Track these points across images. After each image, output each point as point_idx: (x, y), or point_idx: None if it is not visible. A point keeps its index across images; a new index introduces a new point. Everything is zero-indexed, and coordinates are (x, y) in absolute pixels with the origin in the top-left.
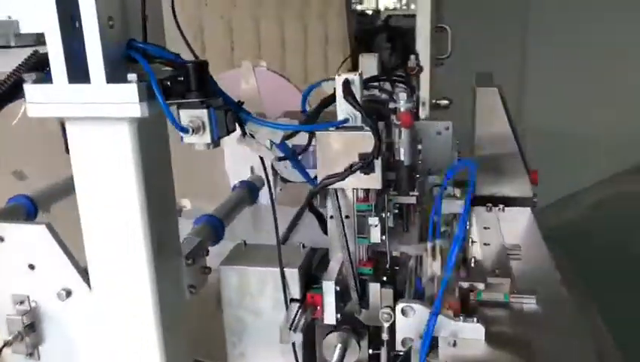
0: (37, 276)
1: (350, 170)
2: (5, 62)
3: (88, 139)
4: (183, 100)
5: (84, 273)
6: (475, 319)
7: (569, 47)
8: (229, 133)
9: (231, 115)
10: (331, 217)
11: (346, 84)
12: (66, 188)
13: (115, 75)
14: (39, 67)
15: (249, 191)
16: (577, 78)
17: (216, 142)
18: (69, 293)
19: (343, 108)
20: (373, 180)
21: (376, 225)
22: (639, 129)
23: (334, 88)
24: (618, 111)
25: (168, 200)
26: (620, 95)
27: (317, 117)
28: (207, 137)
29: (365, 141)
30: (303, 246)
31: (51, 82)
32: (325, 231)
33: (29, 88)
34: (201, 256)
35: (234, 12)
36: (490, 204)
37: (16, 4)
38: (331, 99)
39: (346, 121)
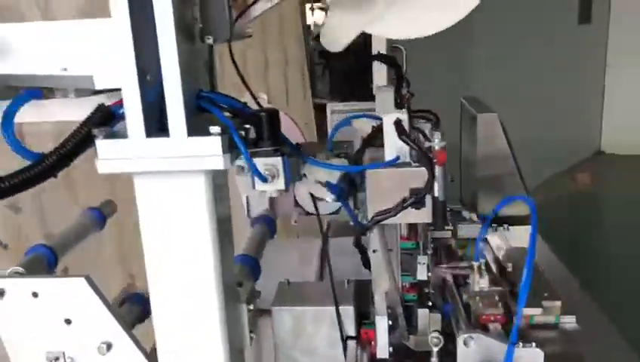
0: (74, 331)
1: (403, 206)
2: (63, 111)
3: (161, 191)
4: (258, 149)
5: (125, 324)
6: (533, 344)
7: (509, 59)
8: (300, 178)
9: (298, 159)
10: (374, 251)
11: (399, 123)
12: (81, 232)
13: (191, 127)
14: (105, 121)
15: (267, 225)
16: (514, 87)
17: (287, 188)
18: (109, 346)
19: (392, 146)
20: (424, 214)
21: (424, 263)
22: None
23: (374, 126)
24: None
25: (231, 246)
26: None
27: (363, 155)
28: (280, 184)
29: (417, 176)
30: (348, 282)
31: (123, 137)
32: (366, 265)
33: (101, 144)
34: (256, 300)
35: None
36: (495, 224)
37: (90, 59)
38: (376, 136)
39: (397, 158)
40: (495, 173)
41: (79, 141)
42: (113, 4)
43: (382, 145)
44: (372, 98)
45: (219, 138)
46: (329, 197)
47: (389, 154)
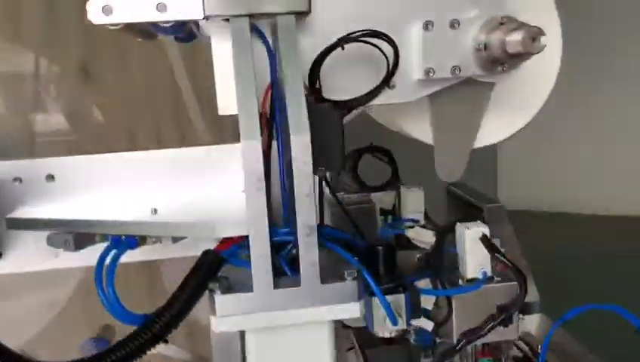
0: None
1: (493, 325)
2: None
3: (279, 347)
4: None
5: None
6: None
7: None
8: (419, 316)
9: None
10: None
11: (487, 239)
12: None
13: None
14: (217, 270)
15: None
16: None
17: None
18: None
19: (476, 263)
20: (512, 331)
21: None
22: None
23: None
24: None
25: None
26: None
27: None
28: (404, 323)
29: (505, 293)
30: None
31: (242, 290)
32: None
33: (221, 300)
34: None
35: None
36: None
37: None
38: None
39: (486, 276)
40: None
41: (191, 297)
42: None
43: None
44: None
45: (354, 284)
46: (428, 325)
47: (471, 272)
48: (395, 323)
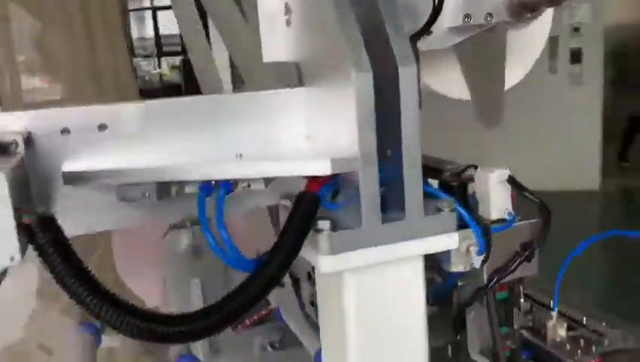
0: None
1: (520, 261)
2: None
3: (376, 284)
4: None
5: None
6: None
7: None
8: None
9: None
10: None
11: (514, 180)
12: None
13: None
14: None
15: None
16: None
17: None
18: None
19: (501, 203)
20: (532, 267)
21: None
22: None
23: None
24: None
25: None
26: None
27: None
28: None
29: (528, 230)
30: None
31: (347, 226)
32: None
33: (328, 239)
34: None
35: None
36: None
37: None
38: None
39: (513, 217)
40: None
41: (298, 237)
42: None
43: None
44: None
45: (453, 215)
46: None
47: (496, 213)
48: (483, 250)
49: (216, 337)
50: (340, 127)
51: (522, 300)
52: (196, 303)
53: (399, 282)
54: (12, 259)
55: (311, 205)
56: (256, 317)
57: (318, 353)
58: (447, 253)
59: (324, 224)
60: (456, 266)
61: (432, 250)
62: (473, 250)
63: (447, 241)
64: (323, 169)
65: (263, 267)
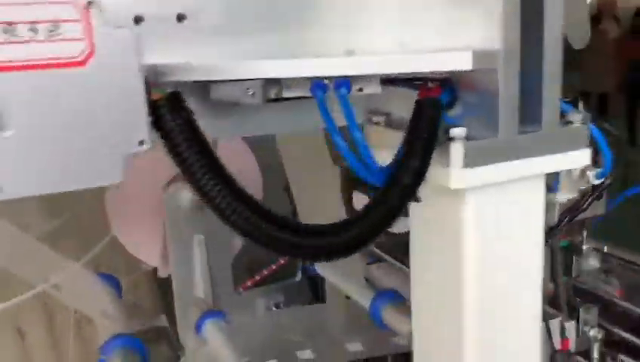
0: None
1: (591, 200)
2: None
3: (498, 204)
4: None
5: None
6: None
7: None
8: None
9: None
10: None
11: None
12: None
13: None
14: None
15: None
16: None
17: None
18: None
19: None
20: (601, 206)
21: None
22: None
23: None
24: None
25: None
26: None
27: None
28: None
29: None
30: None
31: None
32: None
33: (461, 148)
34: None
35: None
36: None
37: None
38: None
39: None
40: None
41: (427, 145)
42: None
43: None
44: None
45: (585, 127)
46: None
47: None
48: (609, 169)
49: (219, 299)
50: (471, 20)
51: (585, 246)
52: (201, 261)
53: (521, 205)
54: (142, 142)
55: (435, 109)
56: (258, 278)
57: (374, 300)
58: (556, 177)
59: (459, 131)
60: (565, 193)
61: (567, 166)
62: (591, 173)
63: (580, 157)
64: (464, 62)
65: (399, 176)
